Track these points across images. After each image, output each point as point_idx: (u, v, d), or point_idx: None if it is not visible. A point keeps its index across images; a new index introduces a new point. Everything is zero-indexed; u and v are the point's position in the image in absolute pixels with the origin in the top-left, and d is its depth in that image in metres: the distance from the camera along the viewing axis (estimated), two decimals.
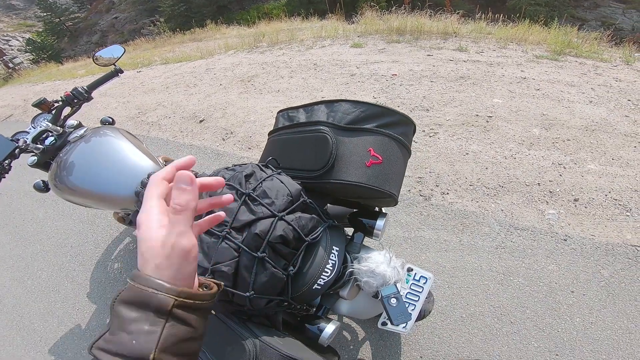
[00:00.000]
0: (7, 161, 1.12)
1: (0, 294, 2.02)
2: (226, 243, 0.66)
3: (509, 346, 1.28)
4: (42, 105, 1.22)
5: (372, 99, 2.88)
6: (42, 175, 1.25)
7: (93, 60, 1.39)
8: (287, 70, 3.85)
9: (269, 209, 0.69)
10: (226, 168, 0.81)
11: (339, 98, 0.85)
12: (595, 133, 2.31)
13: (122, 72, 1.34)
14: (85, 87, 1.27)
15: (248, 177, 0.74)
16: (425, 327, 1.36)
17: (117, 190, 1.08)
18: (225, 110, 3.21)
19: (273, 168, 0.80)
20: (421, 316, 1.00)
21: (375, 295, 0.78)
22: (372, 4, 5.82)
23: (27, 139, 1.17)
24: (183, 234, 0.35)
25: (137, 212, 0.96)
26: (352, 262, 0.81)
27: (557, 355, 1.23)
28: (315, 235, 0.74)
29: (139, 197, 0.97)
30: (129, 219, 1.41)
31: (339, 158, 0.76)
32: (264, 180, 0.73)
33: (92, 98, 1.30)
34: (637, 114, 2.60)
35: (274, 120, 1.00)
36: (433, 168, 2.04)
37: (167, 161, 1.61)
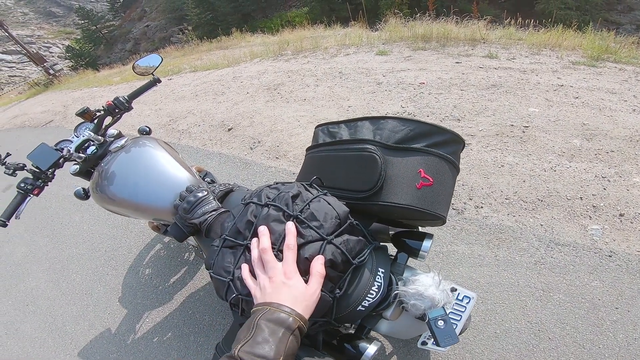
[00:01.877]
0: (51, 170, 1.16)
1: (35, 294, 2.12)
2: None
3: None
4: (85, 114, 1.25)
5: (400, 108, 2.85)
6: (82, 183, 1.30)
7: (133, 69, 1.44)
8: (312, 79, 3.88)
9: (317, 232, 0.68)
10: (269, 186, 0.81)
11: (384, 115, 0.84)
12: (636, 144, 2.17)
13: (160, 81, 1.38)
14: (126, 97, 1.31)
15: (294, 197, 0.73)
16: (458, 344, 1.32)
17: (156, 201, 1.10)
18: (252, 119, 3.27)
19: (318, 188, 0.79)
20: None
21: (422, 317, 0.76)
22: (395, 11, 5.79)
23: (71, 148, 1.21)
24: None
25: (175, 224, 0.99)
26: (397, 284, 0.79)
27: None
28: (362, 258, 0.73)
29: (177, 209, 0.99)
30: (164, 228, 1.44)
31: (388, 179, 0.74)
32: (310, 201, 0.72)
33: (132, 108, 1.34)
34: None
35: (312, 135, 0.99)
36: (466, 181, 1.98)
37: (200, 171, 1.65)
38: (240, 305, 0.69)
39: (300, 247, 0.66)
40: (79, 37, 35.04)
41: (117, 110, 1.29)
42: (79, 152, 1.21)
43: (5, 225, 1.06)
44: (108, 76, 10.55)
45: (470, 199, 1.87)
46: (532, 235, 1.65)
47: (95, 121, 1.28)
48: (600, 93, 2.96)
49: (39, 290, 2.14)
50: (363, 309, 0.73)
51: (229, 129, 3.21)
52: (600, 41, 4.36)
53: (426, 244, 0.84)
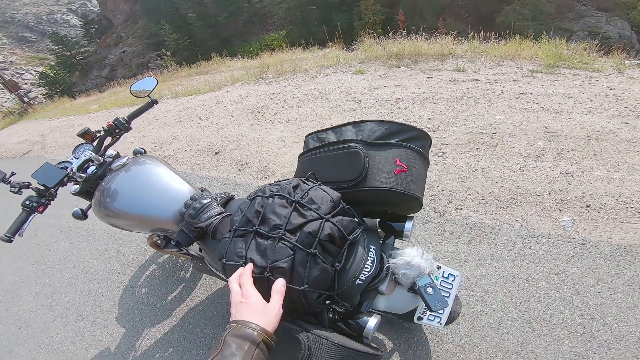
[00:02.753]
0: (56, 188, 1.21)
1: (28, 318, 2.10)
2: (282, 243, 0.77)
3: (543, 348, 1.31)
4: (86, 135, 1.31)
5: None
6: (77, 204, 1.33)
7: (130, 92, 1.51)
8: (294, 100, 4.05)
9: (317, 213, 0.80)
10: (270, 184, 0.94)
11: (364, 119, 0.99)
12: (598, 141, 2.40)
13: (156, 102, 1.47)
14: (125, 118, 1.38)
15: (295, 188, 0.87)
16: (454, 335, 1.41)
17: (160, 212, 1.18)
18: (238, 142, 3.37)
19: (313, 181, 0.93)
20: (451, 318, 1.05)
21: (412, 287, 0.87)
22: (369, 31, 6.13)
23: (73, 167, 1.27)
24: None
25: (181, 230, 1.07)
26: (387, 259, 0.91)
27: (594, 353, 1.26)
28: (355, 235, 0.85)
29: (184, 216, 1.08)
30: (164, 243, 1.50)
31: (371, 169, 0.89)
32: (309, 190, 0.85)
33: (131, 128, 1.42)
34: (636, 120, 2.70)
35: (303, 144, 1.14)
36: (445, 186, 2.13)
37: (202, 190, 1.73)
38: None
39: (303, 225, 0.78)
40: (52, 63, 34.25)
41: (117, 131, 1.36)
42: (80, 172, 1.26)
43: (10, 241, 1.10)
44: (85, 104, 10.46)
45: (450, 202, 2.02)
46: (509, 230, 1.79)
47: (96, 142, 1.35)
48: (557, 98, 3.24)
49: (31, 314, 2.11)
50: (361, 282, 0.84)
51: (216, 153, 3.29)
52: (554, 49, 4.77)
53: (408, 224, 0.98)
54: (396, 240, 1.04)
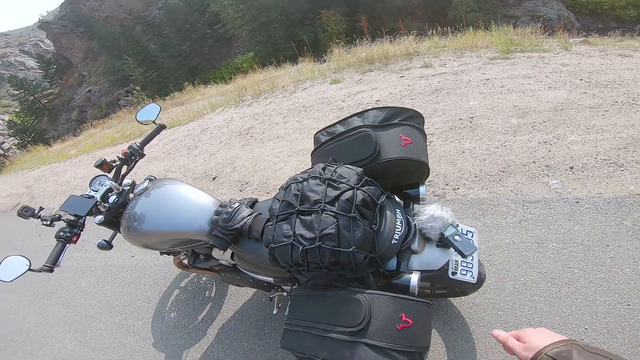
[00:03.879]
0: (84, 218, 1.28)
1: (64, 354, 2.11)
2: (325, 214, 0.90)
3: (577, 305, 1.40)
4: (103, 166, 1.38)
5: None
6: (96, 234, 1.39)
7: (137, 121, 1.58)
8: (279, 117, 4.20)
9: (347, 184, 0.95)
10: (297, 174, 1.09)
11: (366, 109, 1.19)
12: (564, 111, 2.66)
13: (165, 127, 1.58)
14: (138, 144, 1.46)
15: (323, 169, 1.03)
16: (485, 305, 1.50)
17: (191, 224, 1.26)
18: (234, 164, 3.47)
19: (336, 163, 1.09)
20: (480, 278, 1.14)
21: (440, 240, 1.00)
22: (336, 41, 6.42)
23: (97, 198, 1.32)
24: None
25: (216, 236, 1.18)
26: (412, 218, 1.06)
27: (628, 305, 1.36)
28: (382, 200, 1.02)
29: (217, 223, 1.18)
30: (192, 260, 1.56)
31: (382, 145, 1.07)
32: (336, 169, 1.01)
33: (145, 154, 1.49)
34: (593, 89, 3.00)
35: (313, 141, 1.30)
36: (439, 171, 2.31)
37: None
38: (306, 259, 0.89)
39: (339, 196, 0.92)
40: (17, 109, 33.24)
41: (132, 158, 1.44)
42: (104, 202, 1.33)
43: (51, 271, 1.17)
44: (62, 150, 10.23)
45: (446, 184, 2.19)
46: (507, 200, 1.96)
47: (113, 171, 1.42)
48: (519, 79, 3.53)
49: (66, 351, 2.13)
50: (396, 241, 0.98)
51: (214, 178, 3.38)
52: (505, 36, 5.18)
53: (422, 189, 1.16)
54: (414, 205, 1.20)
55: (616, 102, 2.73)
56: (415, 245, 1.03)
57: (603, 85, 3.06)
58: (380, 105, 1.24)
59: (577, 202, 1.83)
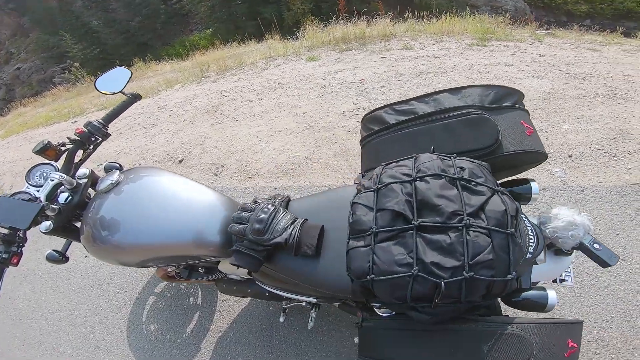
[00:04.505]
0: (26, 230, 0.90)
1: None
2: (473, 231, 0.62)
3: (600, 294, 1.41)
4: (47, 151, 0.99)
5: (353, 105, 2.97)
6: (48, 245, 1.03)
7: (97, 90, 1.18)
8: (253, 94, 3.79)
9: (487, 186, 0.68)
10: (385, 167, 0.79)
11: (462, 85, 0.93)
12: (553, 100, 2.66)
13: (140, 97, 1.18)
14: (100, 121, 1.07)
15: (443, 160, 0.73)
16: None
17: (193, 235, 0.92)
18: (203, 145, 3.04)
19: (446, 155, 0.79)
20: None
21: (575, 247, 0.80)
22: (311, 18, 6.04)
23: (41, 197, 0.94)
24: None
25: (242, 253, 0.85)
26: (542, 225, 0.82)
27: None
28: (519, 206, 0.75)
29: (244, 234, 0.85)
30: (186, 273, 1.22)
31: (503, 134, 0.84)
32: (456, 162, 0.73)
33: (110, 134, 1.11)
34: (574, 80, 3.06)
35: (360, 125, 1.05)
36: None
37: None
38: (440, 294, 0.60)
39: (484, 204, 0.65)
40: None
41: (92, 139, 1.04)
42: (51, 203, 0.94)
43: None
44: None
45: None
46: None
47: (63, 159, 1.02)
48: (501, 67, 3.53)
49: None
50: (530, 255, 0.74)
51: (180, 161, 2.92)
52: (479, 24, 5.23)
53: (534, 186, 0.90)
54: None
55: (597, 94, 2.79)
56: (541, 256, 0.81)
57: (581, 77, 3.14)
58: (482, 84, 0.97)
59: (582, 191, 1.80)
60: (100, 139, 1.10)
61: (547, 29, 5.84)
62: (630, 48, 4.09)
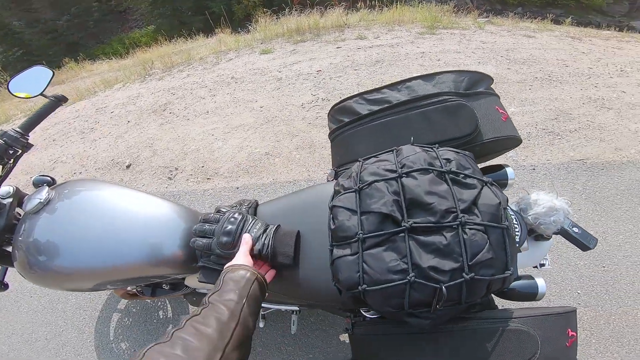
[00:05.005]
0: None
1: None
2: (468, 229, 0.56)
3: (564, 271, 1.47)
4: None
5: (312, 96, 2.90)
6: None
7: (10, 93, 1.00)
8: (204, 90, 3.56)
9: (478, 178, 0.63)
10: (362, 163, 0.72)
11: (434, 72, 0.88)
12: (498, 85, 2.80)
13: (65, 99, 1.01)
14: (18, 130, 0.90)
15: (427, 152, 0.68)
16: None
17: (148, 253, 0.81)
18: (153, 147, 2.79)
19: (429, 146, 0.72)
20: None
21: (556, 232, 0.79)
22: (264, 10, 5.83)
23: None
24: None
25: (208, 270, 0.76)
26: (521, 213, 0.80)
27: (604, 267, 1.47)
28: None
29: (210, 249, 0.75)
30: (149, 291, 1.08)
31: (481, 120, 0.82)
32: (440, 153, 0.67)
33: (32, 145, 0.95)
34: (514, 65, 3.27)
35: (330, 115, 0.97)
36: None
37: None
38: (441, 299, 0.54)
39: (476, 198, 0.61)
40: None
41: (11, 152, 0.88)
42: None
43: None
44: None
45: None
46: None
47: None
48: (451, 54, 3.67)
49: None
50: (517, 244, 0.72)
51: (128, 166, 2.65)
52: (427, 13, 5.42)
53: (510, 171, 0.90)
54: None
55: (536, 77, 3.01)
56: (525, 244, 0.79)
57: (520, 62, 3.37)
58: (454, 69, 0.92)
59: (534, 169, 1.91)
60: (20, 150, 0.92)
61: (487, 17, 6.23)
62: (560, 34, 4.47)
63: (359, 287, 0.58)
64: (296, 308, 1.02)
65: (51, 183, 0.97)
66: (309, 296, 0.78)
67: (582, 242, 0.79)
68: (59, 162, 3.07)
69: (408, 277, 0.55)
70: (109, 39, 19.09)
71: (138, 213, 0.85)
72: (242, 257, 0.70)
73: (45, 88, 0.99)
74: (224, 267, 0.68)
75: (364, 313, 0.75)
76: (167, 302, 1.62)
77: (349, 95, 0.91)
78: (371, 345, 0.69)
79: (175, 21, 15.67)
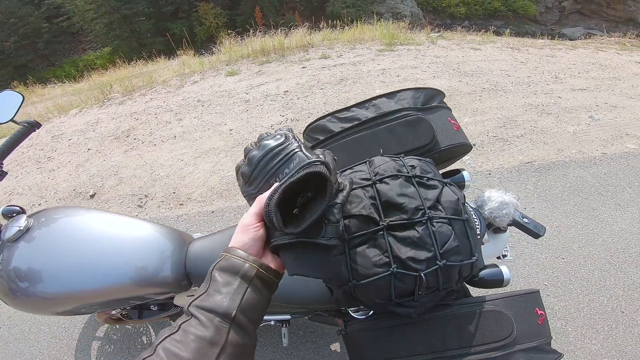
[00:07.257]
0: None
1: None
2: (436, 223, 0.64)
3: (528, 265, 1.58)
4: None
5: (281, 117, 2.97)
6: None
7: None
8: (170, 115, 3.51)
9: (438, 179, 0.72)
10: (348, 174, 0.76)
11: (396, 90, 0.98)
12: (452, 97, 3.05)
13: (39, 125, 0.99)
14: None
15: (395, 161, 0.76)
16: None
17: (139, 274, 0.83)
18: (118, 175, 2.69)
19: (394, 155, 0.81)
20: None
21: (509, 224, 0.91)
22: (227, 32, 5.87)
23: None
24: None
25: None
26: (479, 210, 0.92)
27: (563, 258, 1.61)
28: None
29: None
30: (136, 313, 1.07)
31: (436, 131, 0.93)
32: (405, 162, 0.76)
33: (6, 173, 0.94)
34: (465, 77, 3.56)
35: (305, 134, 1.04)
36: None
37: None
38: (422, 286, 0.62)
39: (439, 197, 0.70)
40: None
41: None
42: None
43: None
44: None
45: None
46: None
47: None
48: (408, 69, 3.92)
49: None
50: (479, 237, 0.82)
51: (92, 195, 2.53)
52: (385, 31, 5.76)
53: (466, 174, 1.02)
54: None
55: (484, 88, 3.30)
56: (486, 236, 0.90)
57: (470, 74, 3.68)
58: (413, 87, 1.04)
59: (490, 174, 2.09)
60: None
61: (438, 31, 6.72)
62: (502, 45, 4.93)
63: (349, 283, 0.65)
64: (287, 318, 1.05)
65: (21, 212, 0.96)
66: (302, 301, 0.82)
67: (533, 230, 0.92)
68: (14, 194, 2.86)
69: (391, 269, 0.63)
70: (61, 61, 18.17)
71: (121, 235, 0.87)
72: (246, 226, 0.51)
73: (16, 113, 0.97)
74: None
75: (353, 315, 0.80)
76: (148, 326, 1.56)
77: (317, 114, 1.00)
78: (365, 340, 0.75)
79: (134, 43, 15.27)
